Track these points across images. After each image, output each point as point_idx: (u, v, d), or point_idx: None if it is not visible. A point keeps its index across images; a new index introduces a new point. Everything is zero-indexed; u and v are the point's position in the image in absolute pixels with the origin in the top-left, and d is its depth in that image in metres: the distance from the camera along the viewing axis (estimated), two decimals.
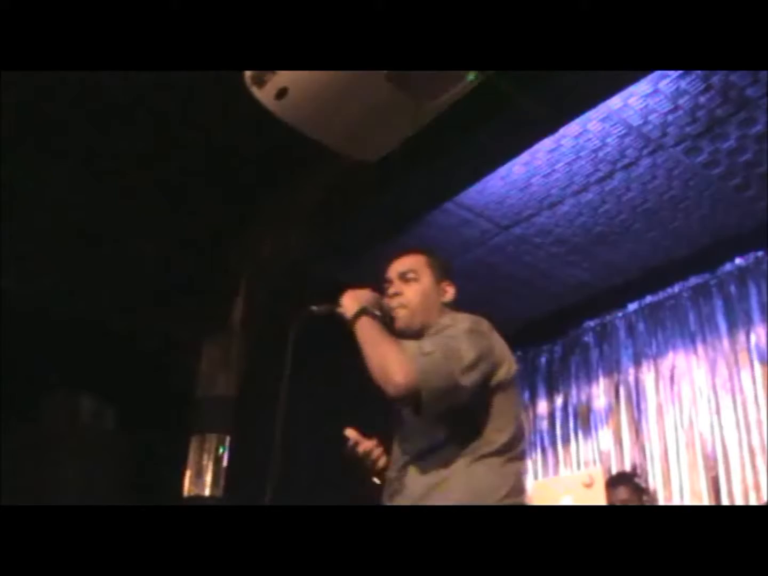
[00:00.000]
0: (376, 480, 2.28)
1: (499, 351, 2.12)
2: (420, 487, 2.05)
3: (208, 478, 4.23)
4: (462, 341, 2.02)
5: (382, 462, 2.29)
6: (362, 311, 2.13)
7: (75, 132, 3.55)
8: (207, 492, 4.21)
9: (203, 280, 4.45)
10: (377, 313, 2.18)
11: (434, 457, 2.06)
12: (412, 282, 2.30)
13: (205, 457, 4.25)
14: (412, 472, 2.10)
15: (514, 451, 2.08)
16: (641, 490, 3.94)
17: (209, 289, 4.47)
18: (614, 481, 4.09)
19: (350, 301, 2.18)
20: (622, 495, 3.90)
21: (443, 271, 2.38)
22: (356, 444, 2.29)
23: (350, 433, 2.30)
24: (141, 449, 4.57)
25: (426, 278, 2.32)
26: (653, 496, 4.00)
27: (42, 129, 3.56)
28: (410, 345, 2.06)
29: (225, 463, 4.27)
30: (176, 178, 3.93)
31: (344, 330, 2.18)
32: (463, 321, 2.11)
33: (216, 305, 4.47)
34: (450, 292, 2.35)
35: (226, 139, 3.63)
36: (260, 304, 4.33)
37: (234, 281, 4.47)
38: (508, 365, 2.13)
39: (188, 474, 4.25)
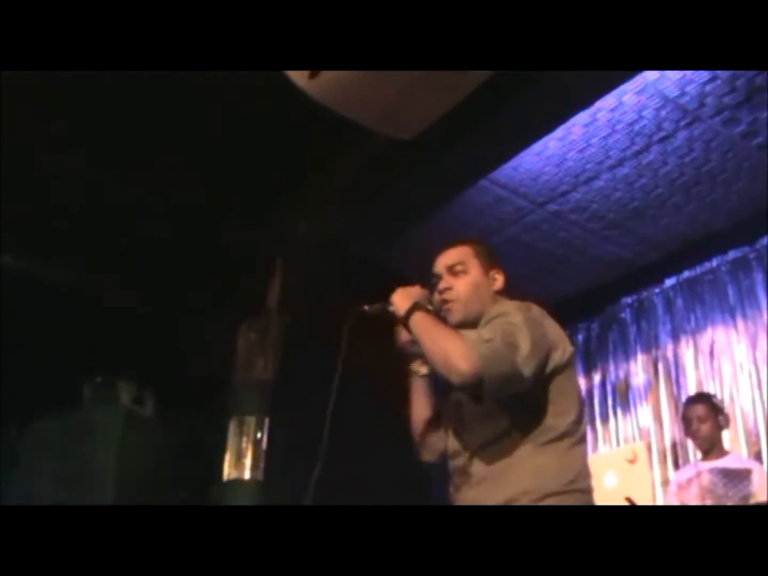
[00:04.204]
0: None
1: (552, 335, 2.08)
2: (486, 478, 2.05)
3: (248, 461, 4.24)
4: (516, 330, 1.99)
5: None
6: (415, 306, 2.12)
7: (109, 115, 3.55)
8: (247, 475, 4.22)
9: (239, 261, 4.46)
10: (429, 307, 2.17)
11: (499, 446, 2.05)
12: (461, 275, 2.25)
13: (244, 440, 4.27)
14: (478, 462, 2.09)
15: (577, 434, 2.06)
16: (719, 409, 3.92)
17: (245, 270, 4.47)
18: (693, 400, 4.08)
19: (401, 299, 2.16)
20: (700, 411, 3.87)
21: (491, 260, 2.33)
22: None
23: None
24: (180, 433, 4.59)
25: (475, 269, 2.27)
26: (728, 417, 3.97)
27: (74, 113, 3.57)
28: (470, 333, 2.03)
29: (264, 445, 4.28)
30: (211, 159, 3.93)
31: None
32: (514, 309, 2.07)
33: (252, 287, 4.48)
34: (500, 280, 2.29)
35: (261, 120, 3.62)
36: (296, 285, 4.33)
37: (270, 262, 4.47)
38: (563, 348, 2.09)
39: (228, 457, 4.27)
